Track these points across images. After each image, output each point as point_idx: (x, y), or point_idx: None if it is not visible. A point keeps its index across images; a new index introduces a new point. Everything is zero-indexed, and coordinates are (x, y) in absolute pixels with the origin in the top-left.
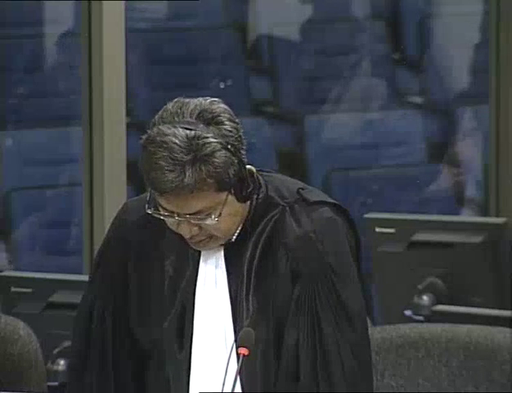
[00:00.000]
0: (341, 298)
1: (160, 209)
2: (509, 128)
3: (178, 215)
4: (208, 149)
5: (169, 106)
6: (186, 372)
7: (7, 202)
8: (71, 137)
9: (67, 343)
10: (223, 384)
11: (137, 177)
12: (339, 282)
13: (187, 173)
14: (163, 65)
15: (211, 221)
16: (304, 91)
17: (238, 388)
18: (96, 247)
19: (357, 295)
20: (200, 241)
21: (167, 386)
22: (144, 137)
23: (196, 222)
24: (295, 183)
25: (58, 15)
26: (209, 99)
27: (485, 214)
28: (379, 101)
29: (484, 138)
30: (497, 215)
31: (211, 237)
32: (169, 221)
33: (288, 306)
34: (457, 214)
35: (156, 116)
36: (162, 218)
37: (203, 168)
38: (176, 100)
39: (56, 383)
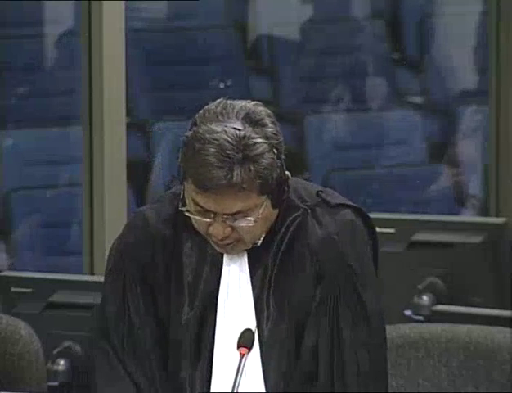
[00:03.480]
0: (362, 299)
1: (194, 207)
2: (509, 128)
3: (215, 215)
4: (259, 150)
5: (212, 106)
6: (206, 372)
7: (7, 202)
8: (71, 137)
9: (67, 343)
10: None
11: (137, 177)
12: (361, 284)
13: (235, 172)
14: (163, 65)
15: (248, 223)
16: (304, 91)
17: (252, 388)
18: (97, 247)
19: (376, 296)
20: (228, 243)
21: (181, 387)
22: (187, 134)
23: (232, 223)
24: (312, 186)
25: (58, 15)
26: (252, 102)
27: (485, 214)
28: (379, 101)
29: (484, 138)
30: (497, 215)
31: (238, 240)
32: (201, 221)
33: (309, 307)
34: (457, 214)
35: (197, 116)
36: (197, 217)
37: (252, 168)
38: (219, 100)
39: (56, 383)
